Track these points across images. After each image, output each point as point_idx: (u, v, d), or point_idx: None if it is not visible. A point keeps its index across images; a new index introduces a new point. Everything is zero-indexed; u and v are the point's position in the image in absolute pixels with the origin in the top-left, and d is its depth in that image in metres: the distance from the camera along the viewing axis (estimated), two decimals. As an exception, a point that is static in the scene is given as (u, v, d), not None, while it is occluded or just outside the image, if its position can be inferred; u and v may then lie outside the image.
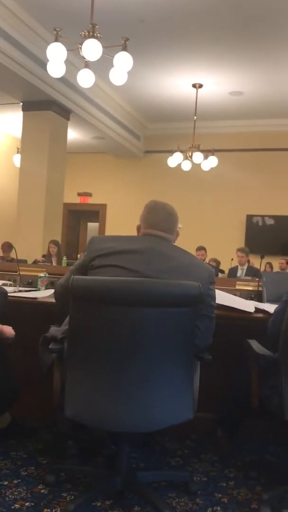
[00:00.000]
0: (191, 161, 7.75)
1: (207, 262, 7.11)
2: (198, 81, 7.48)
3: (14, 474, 2.17)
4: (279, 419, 2.00)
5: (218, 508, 2.01)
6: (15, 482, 2.10)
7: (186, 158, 7.78)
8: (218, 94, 7.92)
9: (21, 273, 3.09)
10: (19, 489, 2.05)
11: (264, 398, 2.09)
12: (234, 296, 2.69)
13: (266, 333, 2.20)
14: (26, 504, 1.94)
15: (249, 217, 9.54)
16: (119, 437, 2.05)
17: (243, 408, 2.29)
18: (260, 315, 2.48)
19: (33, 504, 1.94)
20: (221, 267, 7.73)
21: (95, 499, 2.00)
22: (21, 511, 1.89)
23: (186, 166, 7.88)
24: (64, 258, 6.99)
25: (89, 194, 10.89)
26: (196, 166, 7.85)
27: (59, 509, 1.92)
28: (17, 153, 8.94)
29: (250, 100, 8.15)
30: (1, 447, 2.41)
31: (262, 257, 4.44)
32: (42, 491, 2.05)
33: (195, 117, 7.83)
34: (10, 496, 1.99)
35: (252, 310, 2.49)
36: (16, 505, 1.92)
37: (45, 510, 1.91)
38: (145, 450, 2.51)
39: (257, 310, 2.53)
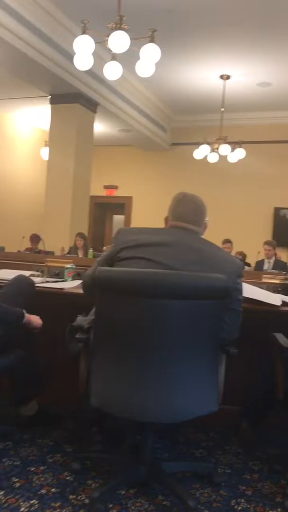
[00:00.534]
0: (218, 153, 7.68)
1: (233, 255, 7.06)
2: (226, 72, 7.39)
3: (40, 461, 2.22)
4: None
5: (242, 500, 2.01)
6: (42, 468, 2.15)
7: (212, 150, 7.72)
8: (246, 86, 7.81)
9: (48, 264, 3.14)
10: (45, 475, 2.09)
11: (289, 392, 2.08)
12: (260, 289, 2.67)
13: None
14: (52, 490, 1.98)
15: (277, 210, 9.41)
16: (143, 427, 2.07)
17: (268, 401, 2.28)
18: (286, 308, 2.46)
19: (59, 490, 1.98)
20: (247, 260, 7.66)
21: (120, 487, 2.03)
22: (47, 497, 1.93)
23: (213, 158, 7.82)
24: (91, 250, 7.05)
25: (115, 187, 10.92)
26: (223, 158, 7.79)
27: (84, 496, 1.95)
28: (45, 146, 9.03)
29: (278, 91, 8.00)
30: (28, 434, 2.46)
31: (289, 251, 4.39)
32: (68, 478, 2.09)
33: (222, 109, 7.76)
34: (36, 481, 2.03)
35: (278, 303, 2.46)
36: (42, 491, 1.97)
37: (71, 496, 1.94)
38: (170, 440, 2.53)
39: (284, 303, 2.51)
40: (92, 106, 7.55)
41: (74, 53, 4.42)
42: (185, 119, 9.74)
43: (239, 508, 1.95)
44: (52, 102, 7.42)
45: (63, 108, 7.31)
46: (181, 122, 9.86)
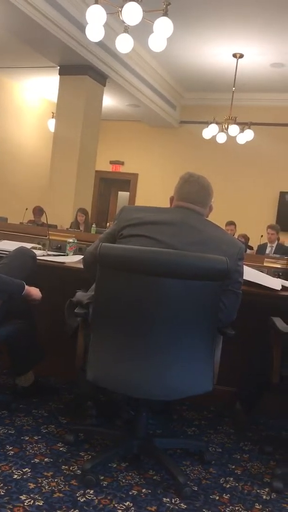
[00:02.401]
0: (227, 133, 7.59)
1: (236, 237, 7.05)
2: (239, 51, 7.25)
3: (35, 431, 2.25)
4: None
5: (231, 478, 2.05)
6: (36, 438, 2.18)
7: (221, 130, 7.62)
8: (259, 66, 7.67)
9: (50, 237, 3.13)
10: (39, 445, 2.12)
11: (285, 376, 2.10)
12: (261, 273, 2.67)
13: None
14: (45, 459, 2.01)
15: (282, 194, 9.34)
16: (138, 403, 2.09)
17: (263, 384, 2.30)
18: (286, 293, 2.46)
19: (52, 460, 2.02)
20: (250, 243, 7.66)
21: (112, 460, 2.06)
22: (40, 465, 1.96)
23: (221, 138, 7.73)
24: (94, 225, 7.03)
25: (121, 163, 10.84)
26: (231, 139, 7.69)
27: (76, 466, 1.99)
28: (52, 117, 8.93)
29: (291, 73, 7.87)
30: (24, 404, 2.49)
31: (292, 236, 4.38)
32: (61, 448, 2.12)
33: (233, 88, 7.63)
34: (30, 450, 2.07)
35: (278, 288, 2.47)
36: (35, 460, 2.00)
37: (63, 466, 1.98)
38: (163, 417, 2.56)
39: (284, 288, 2.51)
40: (101, 79, 7.44)
41: (86, 24, 4.34)
42: (195, 97, 9.60)
43: (228, 486, 1.99)
44: (61, 73, 7.32)
45: (71, 80, 7.21)
46: (191, 100, 9.72)
